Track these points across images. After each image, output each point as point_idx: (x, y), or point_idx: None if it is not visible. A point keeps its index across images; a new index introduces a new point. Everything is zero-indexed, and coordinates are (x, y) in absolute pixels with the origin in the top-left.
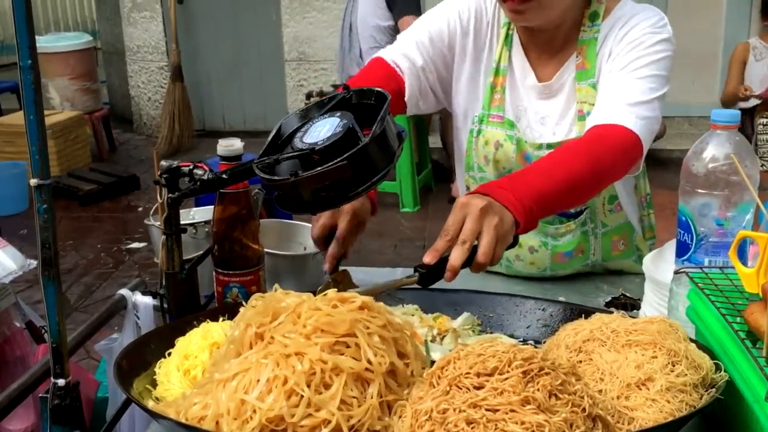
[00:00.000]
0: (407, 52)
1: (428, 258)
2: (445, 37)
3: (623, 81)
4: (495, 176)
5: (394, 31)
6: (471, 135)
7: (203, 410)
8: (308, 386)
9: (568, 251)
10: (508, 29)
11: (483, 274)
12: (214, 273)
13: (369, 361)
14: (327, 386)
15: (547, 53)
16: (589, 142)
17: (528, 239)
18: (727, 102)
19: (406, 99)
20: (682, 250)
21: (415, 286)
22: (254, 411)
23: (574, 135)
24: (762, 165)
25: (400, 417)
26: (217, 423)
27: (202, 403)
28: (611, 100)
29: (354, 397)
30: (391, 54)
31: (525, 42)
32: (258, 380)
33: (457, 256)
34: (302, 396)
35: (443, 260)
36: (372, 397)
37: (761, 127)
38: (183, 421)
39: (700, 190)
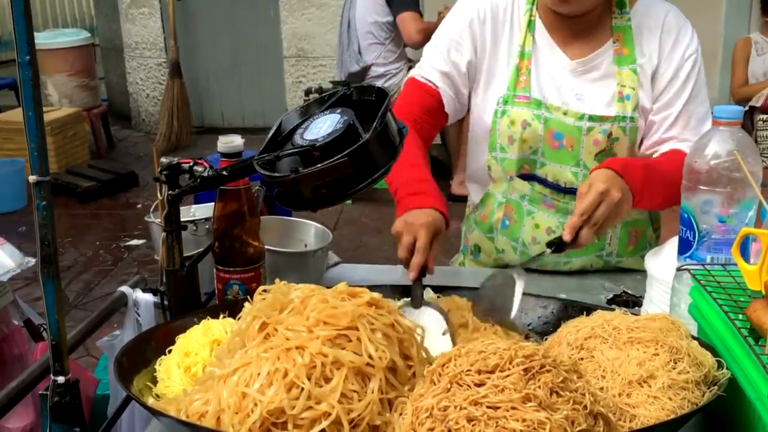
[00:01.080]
0: (433, 63)
1: (568, 236)
2: (466, 36)
3: (691, 115)
4: (517, 157)
5: (393, 27)
6: (495, 116)
7: (204, 406)
8: (309, 379)
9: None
10: (530, 15)
11: (489, 270)
12: (214, 270)
13: (370, 356)
14: (327, 380)
15: (574, 37)
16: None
17: (546, 220)
18: (741, 99)
19: (446, 108)
20: (684, 247)
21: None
22: (255, 404)
23: (614, 113)
24: (762, 161)
25: (400, 414)
26: (218, 419)
27: (203, 399)
28: (688, 137)
29: (354, 391)
30: (420, 71)
31: (549, 26)
32: (258, 374)
33: (586, 237)
34: (302, 389)
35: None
36: (373, 392)
37: (761, 123)
38: (183, 418)
39: (702, 187)
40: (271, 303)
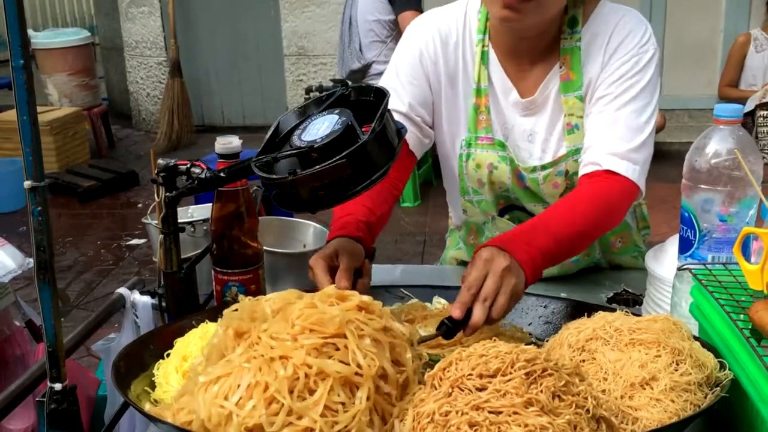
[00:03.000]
0: (392, 104)
1: (457, 313)
2: (420, 73)
3: (619, 119)
4: (492, 198)
5: (395, 26)
6: (461, 160)
7: (189, 415)
8: (291, 392)
9: (575, 259)
10: (483, 46)
11: None
12: (212, 272)
13: (358, 365)
14: (312, 391)
15: (527, 64)
16: (593, 199)
17: None
18: (725, 98)
19: (411, 147)
20: (684, 246)
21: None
22: (233, 419)
23: (564, 151)
24: (763, 158)
25: (401, 420)
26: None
27: (187, 409)
28: (610, 143)
29: (341, 403)
30: None
31: (502, 56)
32: (239, 385)
33: (479, 315)
34: (283, 404)
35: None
36: (360, 402)
37: (761, 119)
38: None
39: (702, 186)
40: (246, 313)
